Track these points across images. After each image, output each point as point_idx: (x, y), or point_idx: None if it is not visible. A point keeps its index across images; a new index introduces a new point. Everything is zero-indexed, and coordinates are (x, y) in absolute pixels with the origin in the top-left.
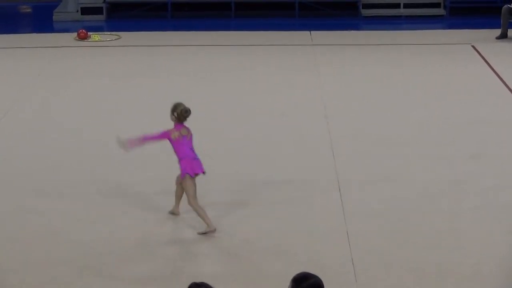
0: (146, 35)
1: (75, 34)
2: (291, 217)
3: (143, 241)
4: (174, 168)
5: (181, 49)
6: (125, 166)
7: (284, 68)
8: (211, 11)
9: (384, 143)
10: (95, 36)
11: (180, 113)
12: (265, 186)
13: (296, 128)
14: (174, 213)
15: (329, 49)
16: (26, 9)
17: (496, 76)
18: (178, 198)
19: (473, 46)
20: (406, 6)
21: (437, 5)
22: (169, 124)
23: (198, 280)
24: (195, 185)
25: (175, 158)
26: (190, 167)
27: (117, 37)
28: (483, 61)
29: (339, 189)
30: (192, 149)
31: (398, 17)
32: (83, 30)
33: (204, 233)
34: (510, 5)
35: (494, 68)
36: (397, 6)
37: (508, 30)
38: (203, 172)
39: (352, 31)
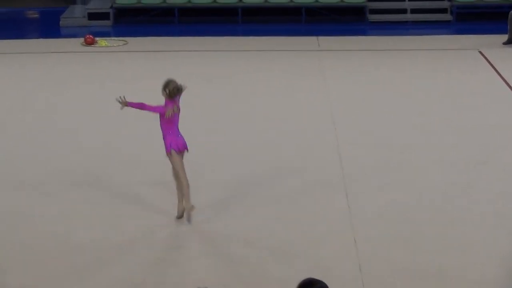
0: (153, 40)
1: (82, 39)
2: (297, 222)
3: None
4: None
5: (188, 54)
6: (129, 168)
7: (291, 73)
8: (218, 16)
9: (390, 148)
10: (102, 42)
11: (172, 90)
12: (271, 190)
13: (303, 133)
14: (183, 212)
15: (335, 55)
16: (33, 14)
17: (503, 82)
18: (178, 184)
19: (480, 52)
20: (413, 11)
21: (444, 11)
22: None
23: (201, 286)
24: (181, 160)
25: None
26: (176, 144)
27: (124, 42)
28: (490, 66)
29: (346, 194)
30: (177, 127)
31: (405, 22)
32: (90, 36)
33: (180, 217)
34: None
35: (501, 74)
36: (403, 11)
37: None
38: (187, 150)
39: (359, 37)
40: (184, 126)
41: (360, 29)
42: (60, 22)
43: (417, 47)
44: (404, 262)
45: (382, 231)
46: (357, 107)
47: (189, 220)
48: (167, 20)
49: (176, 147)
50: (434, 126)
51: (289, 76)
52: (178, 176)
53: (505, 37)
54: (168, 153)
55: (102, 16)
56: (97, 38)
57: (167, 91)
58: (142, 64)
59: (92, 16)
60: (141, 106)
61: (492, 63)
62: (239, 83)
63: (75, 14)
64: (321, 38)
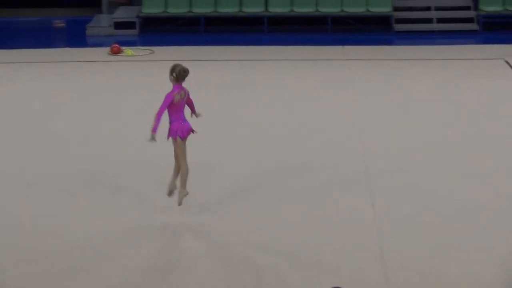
0: (179, 49)
1: (108, 48)
2: (323, 233)
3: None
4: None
5: (214, 64)
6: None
7: (317, 82)
8: (244, 25)
9: (417, 157)
10: (128, 51)
11: (179, 73)
12: (295, 196)
13: (328, 141)
14: (172, 192)
15: (361, 64)
16: (59, 23)
17: None
18: (175, 172)
19: (506, 61)
20: (439, 21)
21: (470, 20)
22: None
23: None
24: (185, 147)
25: None
26: (181, 130)
27: (150, 51)
28: None
29: (372, 205)
30: (183, 112)
31: (431, 32)
32: (116, 45)
33: (180, 204)
34: None
35: None
36: (429, 21)
37: None
38: (193, 131)
39: (385, 46)
40: (213, 135)
41: (386, 38)
42: (86, 31)
43: (443, 56)
44: (433, 273)
45: (410, 242)
46: (383, 116)
47: (179, 203)
48: (193, 29)
49: (181, 133)
50: (460, 135)
51: (315, 85)
52: (178, 160)
53: None
54: (174, 138)
55: (128, 25)
56: (123, 47)
57: (174, 75)
58: (168, 73)
59: (118, 25)
60: (159, 116)
61: None
62: (265, 92)
63: (101, 23)
64: (346, 47)
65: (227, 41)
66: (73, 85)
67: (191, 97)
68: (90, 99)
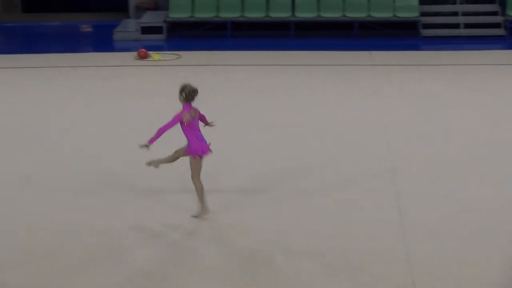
0: (206, 54)
1: (135, 53)
2: (349, 237)
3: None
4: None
5: (240, 68)
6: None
7: (343, 87)
8: (271, 30)
9: (443, 162)
10: (155, 55)
11: (188, 93)
12: (323, 202)
13: (355, 146)
14: (152, 164)
15: (388, 69)
16: (87, 28)
17: None
18: (167, 161)
19: None
20: (466, 26)
21: (497, 26)
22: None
23: None
24: (201, 165)
25: None
26: (201, 149)
27: (177, 56)
28: None
29: (399, 209)
30: (199, 129)
31: (458, 37)
32: (143, 50)
33: (196, 216)
34: None
35: None
36: (456, 26)
37: None
38: (211, 151)
39: (412, 51)
40: (243, 138)
41: (413, 44)
42: (114, 36)
43: (470, 62)
44: (461, 279)
45: (438, 246)
46: (409, 121)
47: (196, 216)
48: (220, 34)
49: (201, 152)
50: (487, 141)
51: (342, 90)
52: (195, 179)
53: None
54: (193, 158)
55: (155, 30)
56: (150, 52)
57: (184, 95)
58: (194, 78)
59: (146, 30)
60: (161, 132)
61: None
62: (291, 97)
63: (129, 28)
64: (373, 52)
65: (253, 46)
66: (100, 89)
67: (201, 112)
68: (117, 103)
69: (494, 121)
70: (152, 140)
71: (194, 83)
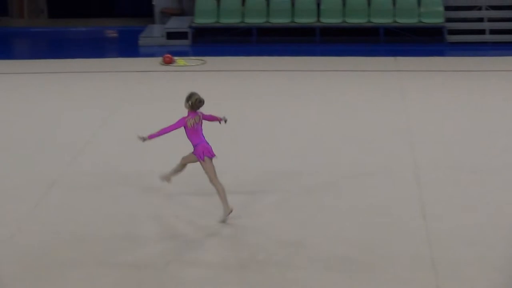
0: (231, 59)
1: (160, 58)
2: (374, 243)
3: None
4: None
5: (265, 74)
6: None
7: (369, 93)
8: (296, 36)
9: (471, 170)
10: (180, 61)
11: (194, 103)
12: (348, 207)
13: (380, 152)
14: (165, 179)
15: (414, 75)
16: (112, 33)
17: None
18: (176, 170)
19: None
20: (492, 32)
21: None
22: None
23: None
24: (213, 166)
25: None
26: (207, 151)
27: (202, 61)
28: None
29: (424, 216)
30: (203, 135)
31: (484, 43)
32: (169, 55)
33: (223, 221)
34: None
35: None
36: (482, 32)
37: None
38: (214, 156)
39: (437, 57)
40: (269, 142)
41: (438, 49)
42: (139, 41)
43: (496, 68)
44: (484, 284)
45: (464, 253)
46: (436, 127)
47: (224, 221)
48: (245, 39)
49: (208, 154)
50: None
51: (367, 96)
52: (213, 182)
53: None
54: (202, 160)
55: (181, 35)
56: (175, 57)
57: (190, 103)
58: (219, 83)
59: (171, 35)
60: (163, 131)
61: None
62: (316, 103)
63: (154, 34)
64: (399, 58)
65: (279, 51)
66: (126, 94)
67: (205, 113)
68: (142, 108)
69: None
70: (151, 136)
71: (219, 89)
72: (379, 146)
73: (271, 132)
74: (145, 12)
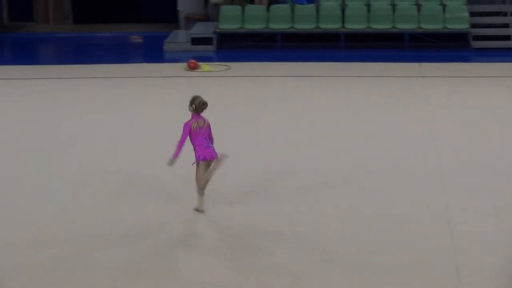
0: (255, 65)
1: (185, 64)
2: (400, 250)
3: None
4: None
5: (290, 80)
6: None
7: (394, 99)
8: (321, 42)
9: (497, 176)
10: (205, 66)
11: (198, 105)
12: (372, 215)
13: (405, 158)
14: (199, 210)
15: (439, 81)
16: (137, 39)
17: None
18: (201, 189)
19: None
20: None
21: None
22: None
23: None
24: (206, 168)
25: None
26: (203, 155)
27: (226, 67)
28: None
29: (449, 222)
30: (206, 139)
31: (509, 49)
32: (193, 60)
33: (196, 210)
34: None
35: None
36: (507, 38)
37: None
38: (216, 157)
39: (462, 63)
40: (295, 148)
41: (463, 55)
42: (164, 46)
43: None
44: None
45: (489, 261)
46: (460, 134)
47: (198, 209)
48: (270, 45)
49: (203, 158)
50: None
51: (392, 102)
52: (198, 183)
53: None
54: (197, 163)
55: (205, 41)
56: (200, 63)
57: (194, 106)
58: (244, 89)
59: (196, 41)
60: (180, 146)
61: None
62: (341, 108)
63: (179, 39)
64: (423, 64)
65: (303, 57)
66: (151, 99)
67: (212, 129)
68: (166, 113)
69: None
70: (176, 156)
71: (243, 94)
72: (403, 151)
73: (294, 138)
74: (170, 18)
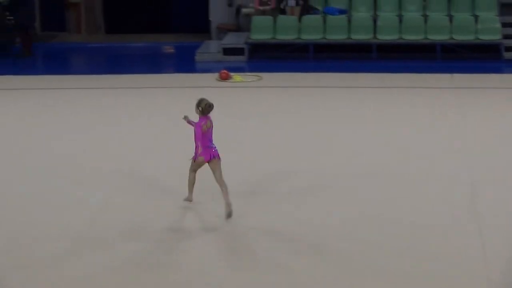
0: (287, 76)
1: (217, 74)
2: (428, 259)
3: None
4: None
5: (322, 91)
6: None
7: (426, 110)
8: (352, 52)
9: None
10: (236, 77)
11: (204, 107)
12: (403, 226)
13: (439, 169)
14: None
15: (471, 92)
16: (169, 49)
17: None
18: (223, 187)
19: None
20: None
21: None
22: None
23: None
24: (200, 166)
25: None
26: (203, 154)
27: (258, 77)
28: None
29: (480, 233)
30: (210, 140)
31: None
32: (225, 71)
33: (185, 200)
34: None
35: None
36: None
37: None
38: (218, 157)
39: (494, 74)
40: (325, 158)
41: (495, 66)
42: (196, 57)
43: None
44: None
45: None
46: (494, 144)
47: (186, 199)
48: (301, 55)
49: (201, 155)
50: None
51: (424, 113)
52: (191, 176)
53: None
54: (194, 160)
55: (237, 51)
56: (232, 73)
57: (200, 109)
58: (276, 99)
59: (227, 51)
60: (198, 142)
61: None
62: (373, 120)
63: (210, 49)
64: (455, 75)
65: (335, 68)
66: (182, 110)
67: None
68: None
69: None
70: (189, 121)
71: (275, 105)
72: (435, 163)
73: (325, 148)
74: (202, 28)
